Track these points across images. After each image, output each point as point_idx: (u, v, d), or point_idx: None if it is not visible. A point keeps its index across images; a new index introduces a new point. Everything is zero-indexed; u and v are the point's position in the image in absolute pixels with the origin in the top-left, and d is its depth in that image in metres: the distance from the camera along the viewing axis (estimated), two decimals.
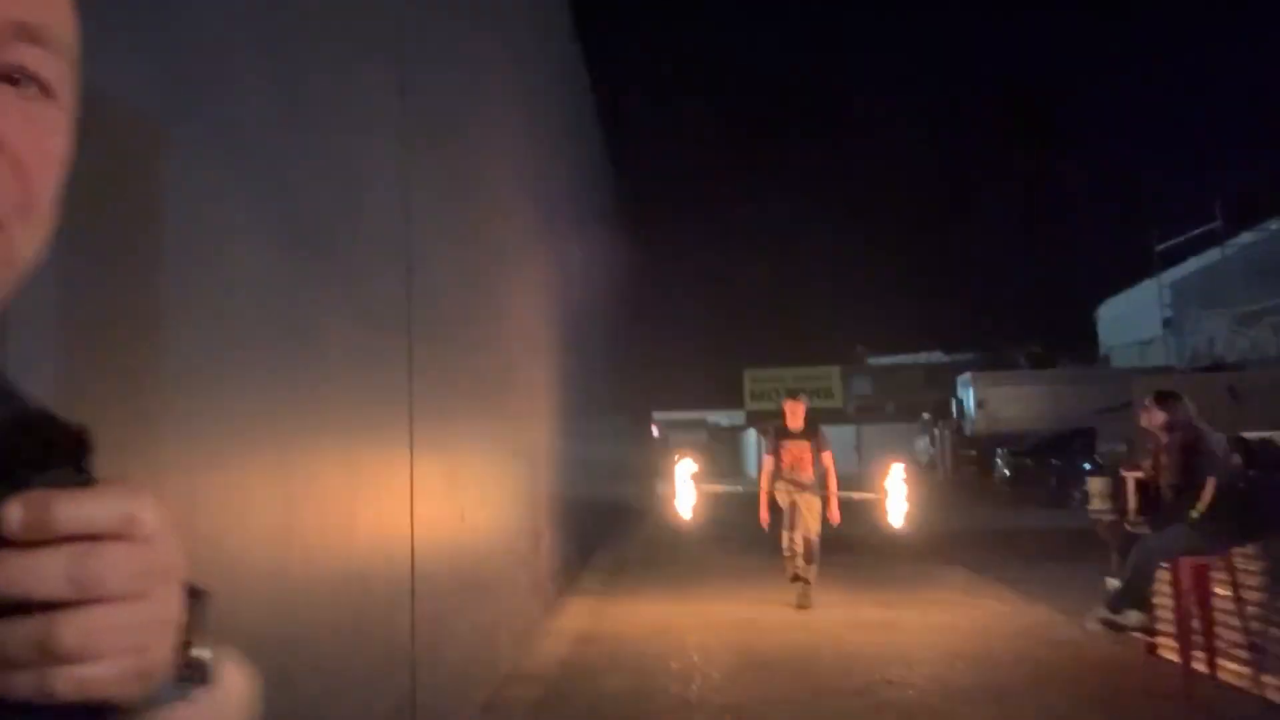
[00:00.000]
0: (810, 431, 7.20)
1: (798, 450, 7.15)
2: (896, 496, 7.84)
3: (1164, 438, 4.99)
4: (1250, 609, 4.77)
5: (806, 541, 7.03)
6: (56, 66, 0.49)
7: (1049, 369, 24.62)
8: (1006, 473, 19.85)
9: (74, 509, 0.40)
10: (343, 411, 2.76)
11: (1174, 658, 5.07)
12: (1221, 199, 21.15)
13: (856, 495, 8.10)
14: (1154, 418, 5.08)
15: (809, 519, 7.08)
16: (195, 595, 0.48)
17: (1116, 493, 11.17)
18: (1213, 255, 22.51)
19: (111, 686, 0.41)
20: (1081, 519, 12.20)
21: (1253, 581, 4.76)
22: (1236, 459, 4.88)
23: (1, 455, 0.41)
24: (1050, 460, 17.94)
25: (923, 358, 39.07)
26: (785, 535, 7.15)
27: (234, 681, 0.52)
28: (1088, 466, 14.49)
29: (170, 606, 0.44)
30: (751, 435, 34.24)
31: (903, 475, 7.97)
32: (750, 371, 40.31)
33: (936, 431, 28.03)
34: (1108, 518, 11.29)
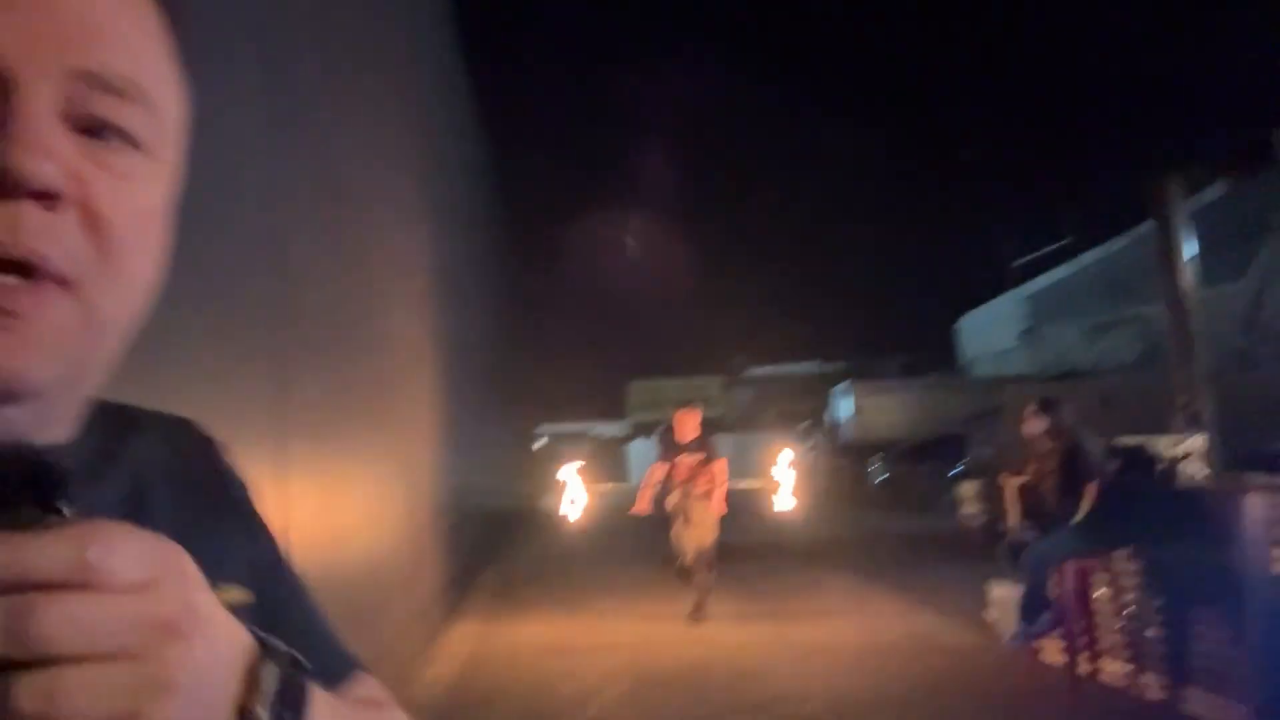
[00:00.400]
0: (703, 443, 7.06)
1: (690, 462, 6.99)
2: (785, 482, 7.90)
3: (1047, 444, 5.12)
4: (1128, 610, 4.94)
5: (699, 553, 6.91)
6: (144, 119, 0.48)
7: (920, 378, 25.62)
8: (881, 478, 20.48)
9: (10, 552, 0.36)
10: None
11: (1055, 657, 5.21)
12: (1073, 216, 22.55)
13: (745, 484, 8.10)
14: (1037, 425, 5.22)
15: (702, 531, 6.94)
16: (267, 656, 0.44)
17: (988, 496, 11.63)
18: (1065, 270, 23.95)
19: None
20: (952, 522, 12.72)
21: (1130, 583, 4.93)
22: (1114, 464, 5.05)
23: None
24: (921, 466, 18.59)
25: (800, 368, 40.09)
26: (674, 535, 7.08)
27: None
28: (956, 472, 15.04)
29: (172, 667, 0.38)
30: (637, 447, 34.30)
31: (790, 461, 8.02)
32: (635, 383, 40.47)
33: (814, 439, 28.76)
34: (978, 521, 11.75)
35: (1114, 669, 4.97)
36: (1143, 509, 4.85)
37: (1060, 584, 5.07)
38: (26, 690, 0.35)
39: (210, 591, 0.43)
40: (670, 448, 7.10)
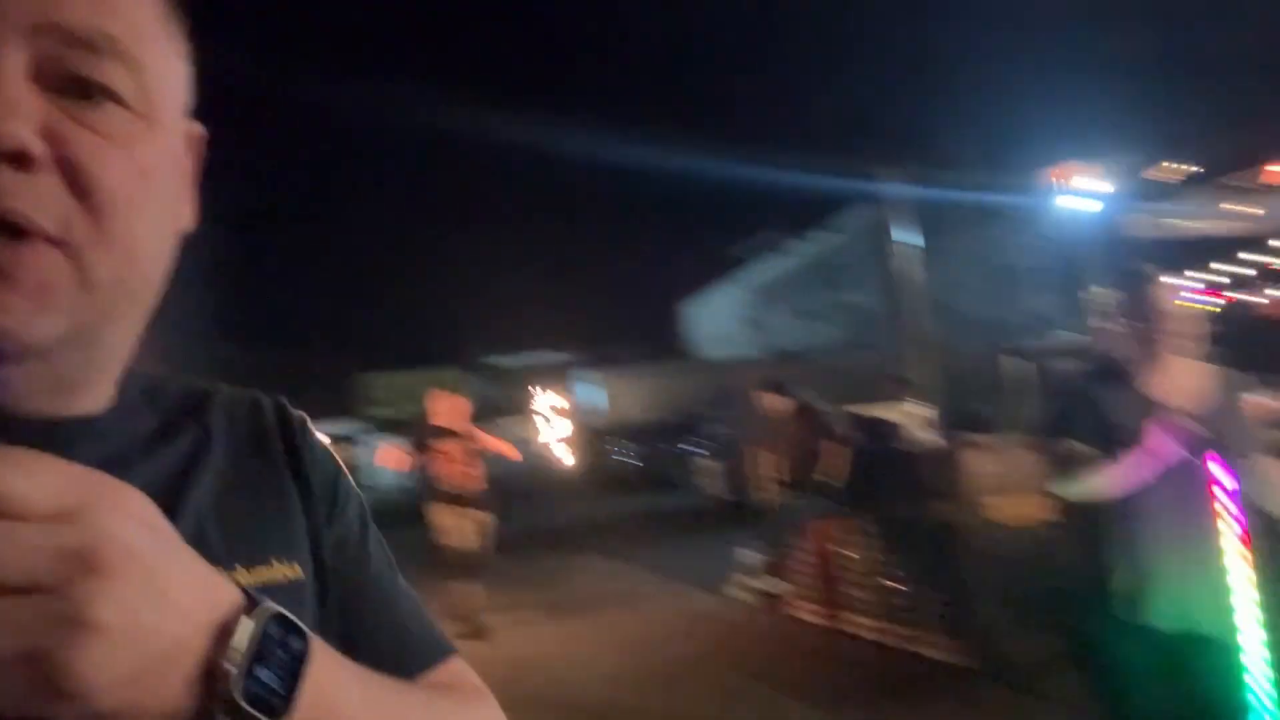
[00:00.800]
0: (468, 431, 6.34)
1: (454, 451, 6.16)
2: (554, 430, 7.66)
3: (789, 417, 5.44)
4: (869, 566, 5.37)
5: (466, 556, 6.19)
6: (127, 76, 0.48)
7: (659, 363, 26.69)
8: (625, 461, 21.06)
9: None
10: None
11: (808, 616, 5.56)
12: (789, 211, 24.48)
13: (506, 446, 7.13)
14: (777, 400, 5.52)
15: (467, 531, 6.17)
16: (250, 611, 0.42)
17: (729, 470, 12.30)
18: (782, 260, 26.01)
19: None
20: (695, 498, 13.32)
21: (869, 539, 5.37)
22: (853, 431, 5.46)
23: None
24: (665, 446, 19.33)
25: (538, 357, 40.36)
26: (439, 532, 6.25)
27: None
28: (698, 450, 15.77)
29: (91, 604, 0.35)
30: (369, 445, 32.75)
31: (554, 406, 7.81)
32: (366, 376, 38.61)
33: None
34: (722, 495, 12.37)
35: (859, 621, 5.39)
36: (880, 471, 5.29)
37: (808, 545, 5.41)
38: None
39: (170, 538, 0.41)
40: (426, 437, 6.37)
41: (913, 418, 5.68)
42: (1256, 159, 4.16)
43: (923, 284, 6.58)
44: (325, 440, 0.68)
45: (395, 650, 0.61)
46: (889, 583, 5.27)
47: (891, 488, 5.27)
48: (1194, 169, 3.83)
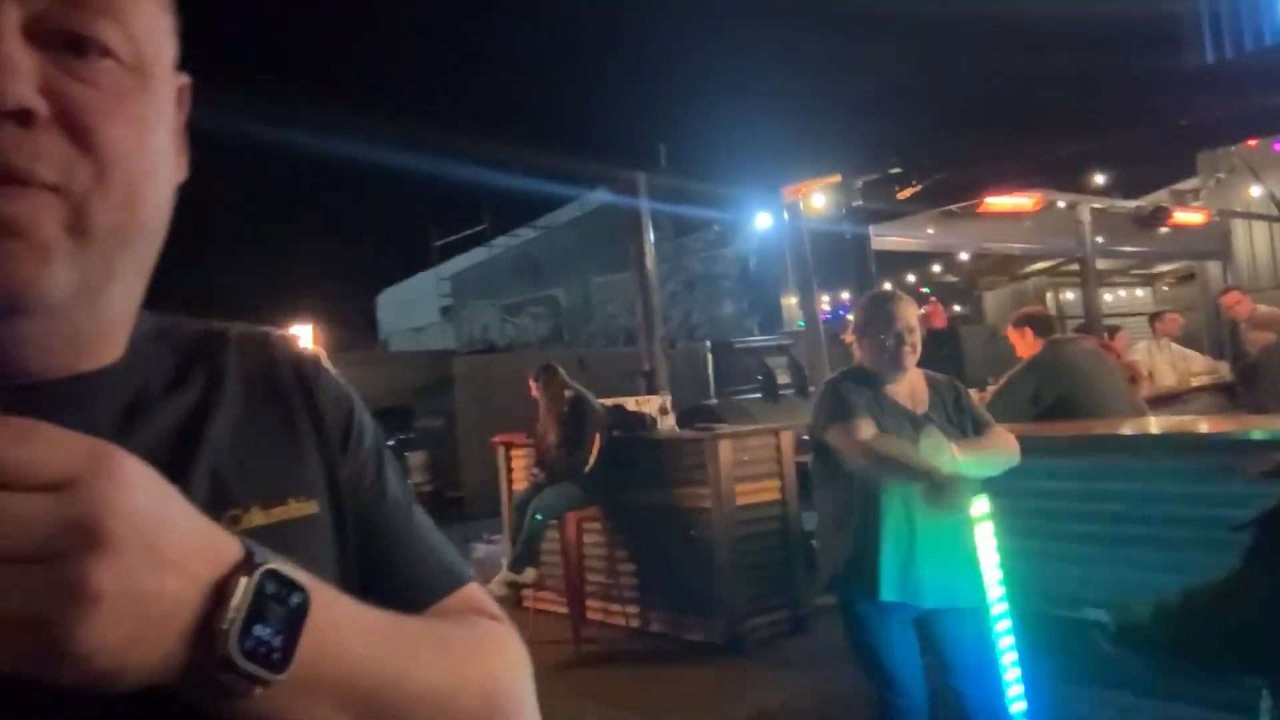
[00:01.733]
0: None
1: None
2: None
3: (556, 405, 5.45)
4: (619, 554, 5.53)
5: None
6: (119, 32, 0.49)
7: (347, 353, 25.34)
8: None
9: None
10: None
11: (556, 607, 5.60)
12: (488, 205, 24.37)
13: None
14: (543, 389, 5.51)
15: None
16: (250, 567, 0.43)
17: (434, 464, 12.02)
18: (482, 253, 25.83)
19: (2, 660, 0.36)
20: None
21: (620, 527, 5.53)
22: (606, 421, 5.57)
23: None
24: None
25: None
26: None
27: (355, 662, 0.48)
28: (403, 442, 15.23)
29: (91, 574, 0.37)
30: None
31: None
32: None
33: None
34: (426, 488, 12.06)
35: (608, 608, 5.53)
36: (629, 462, 5.46)
37: (562, 535, 5.45)
38: None
39: (169, 499, 0.42)
40: None
41: (654, 408, 5.92)
42: (979, 190, 4.89)
43: (656, 285, 6.91)
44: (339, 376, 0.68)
45: (411, 580, 0.63)
46: (637, 568, 5.47)
47: (640, 476, 5.46)
48: (918, 189, 4.41)
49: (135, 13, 0.50)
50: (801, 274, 6.19)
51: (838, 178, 4.88)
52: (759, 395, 7.48)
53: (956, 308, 10.55)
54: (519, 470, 6.10)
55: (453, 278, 27.96)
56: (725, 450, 5.03)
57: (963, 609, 2.76)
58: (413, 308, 30.53)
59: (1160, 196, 8.79)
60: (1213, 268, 9.71)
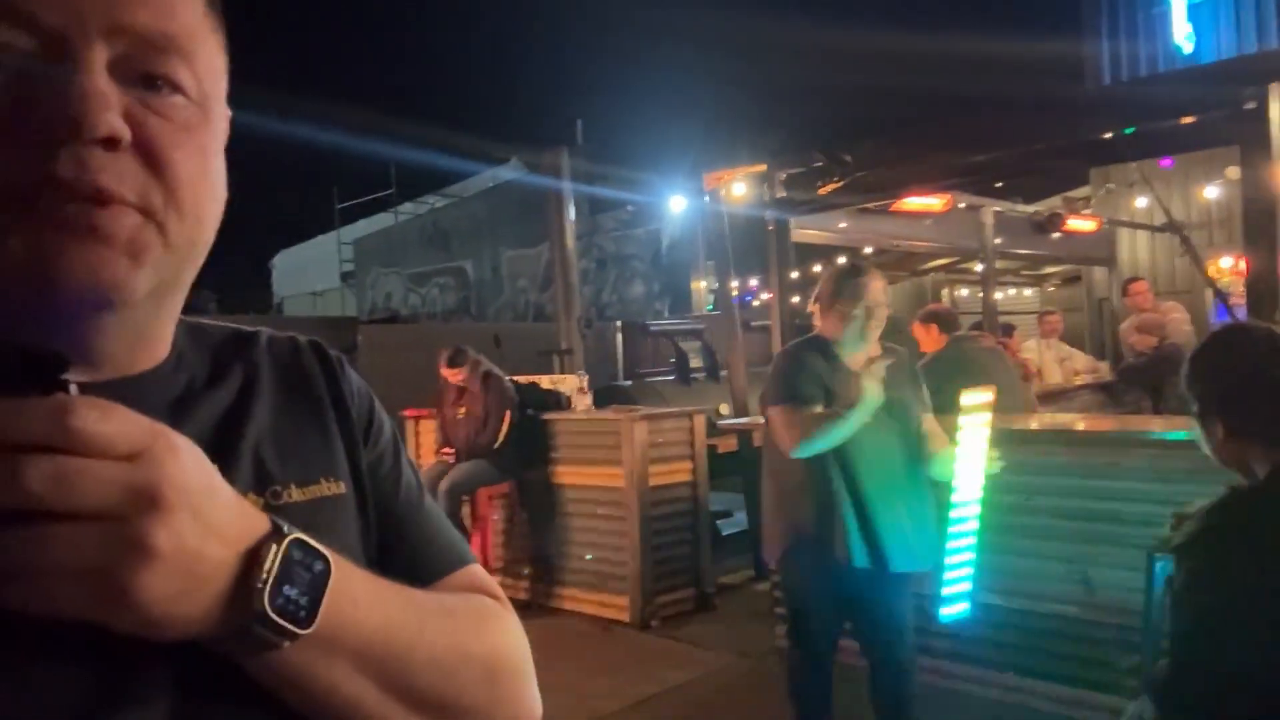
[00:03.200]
0: None
1: None
2: None
3: (472, 384, 5.40)
4: (529, 531, 5.55)
5: None
6: (185, 69, 0.55)
7: (241, 315, 24.41)
8: None
9: (3, 415, 0.41)
10: None
11: None
12: (396, 169, 23.74)
13: None
14: (455, 367, 5.45)
15: None
16: (278, 537, 0.49)
17: None
18: (387, 219, 25.16)
19: (70, 602, 0.42)
20: None
21: (532, 506, 5.54)
22: (517, 399, 5.56)
23: None
24: None
25: None
26: None
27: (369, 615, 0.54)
28: None
29: (150, 533, 0.43)
30: None
31: None
32: None
33: None
34: None
35: (519, 586, 5.54)
36: (538, 439, 5.47)
37: (474, 511, 5.44)
38: (9, 538, 0.41)
39: (213, 477, 0.49)
40: None
41: (569, 387, 5.94)
42: (897, 190, 5.07)
43: (575, 263, 6.90)
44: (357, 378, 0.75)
45: (421, 557, 0.70)
46: (548, 546, 5.49)
47: (554, 455, 5.48)
48: (840, 185, 4.55)
49: (200, 54, 0.57)
50: (720, 259, 6.28)
51: (763, 167, 4.97)
52: (672, 377, 7.58)
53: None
54: (428, 445, 6.03)
55: (355, 243, 27.14)
56: (641, 432, 5.10)
57: (899, 574, 2.79)
58: (311, 272, 29.51)
59: (1054, 203, 9.26)
60: (1098, 272, 10.30)
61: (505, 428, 5.30)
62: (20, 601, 0.42)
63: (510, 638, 0.68)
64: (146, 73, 0.54)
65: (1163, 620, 1.39)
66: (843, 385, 2.72)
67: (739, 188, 5.62)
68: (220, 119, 0.60)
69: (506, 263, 19.83)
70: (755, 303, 9.29)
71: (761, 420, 2.94)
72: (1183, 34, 5.39)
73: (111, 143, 0.51)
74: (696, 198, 6.75)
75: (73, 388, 0.45)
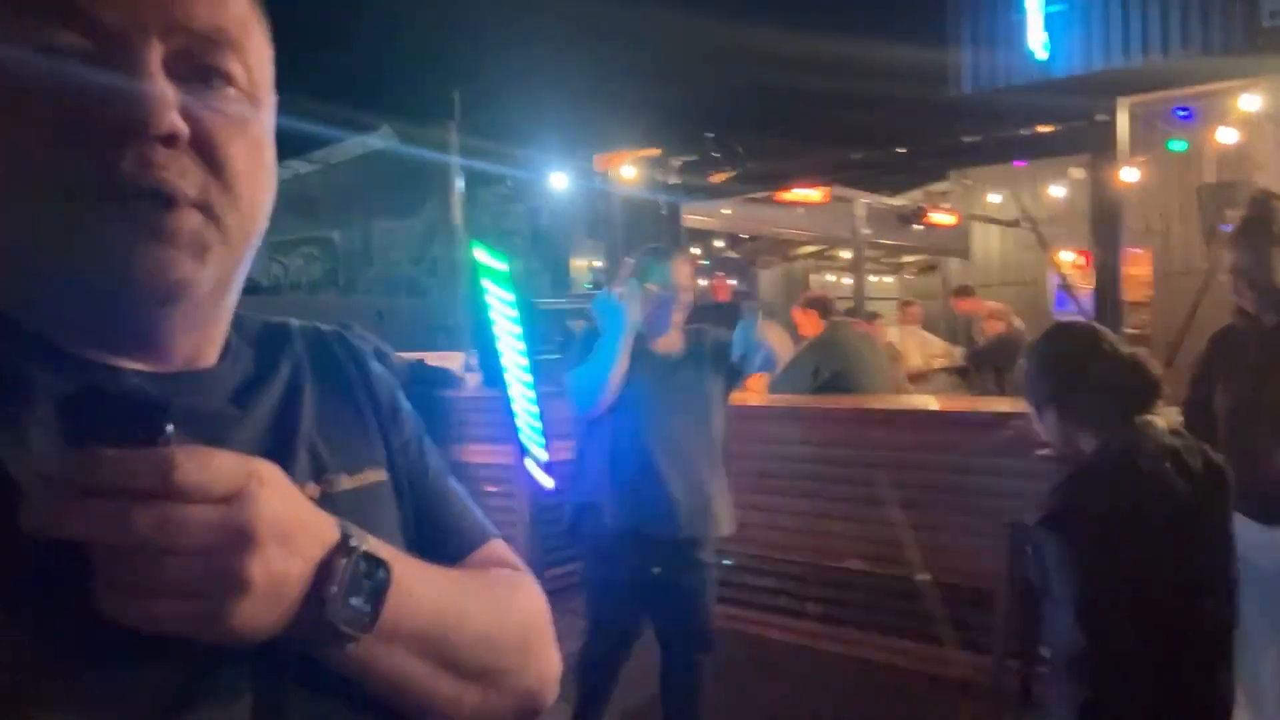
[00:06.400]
0: None
1: None
2: None
3: None
4: None
5: None
6: (238, 64, 0.56)
7: None
8: None
9: (114, 466, 0.45)
10: None
11: None
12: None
13: None
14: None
15: None
16: (347, 551, 0.53)
17: None
18: None
19: (174, 624, 0.47)
20: None
21: None
22: (405, 377, 5.51)
23: (80, 422, 0.46)
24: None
25: None
26: None
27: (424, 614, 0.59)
28: None
29: (245, 569, 0.48)
30: None
31: None
32: None
33: None
34: None
35: None
36: (431, 416, 5.45)
37: None
38: (127, 566, 0.45)
39: (295, 498, 0.53)
40: None
41: (456, 364, 5.93)
42: (783, 181, 5.29)
43: (460, 237, 6.84)
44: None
45: (450, 535, 0.75)
46: None
47: (441, 433, 5.48)
48: (731, 175, 4.73)
49: (250, 45, 0.58)
50: (610, 241, 6.39)
51: (658, 151, 5.10)
52: (557, 356, 7.59)
53: (734, 282, 11.24)
54: None
55: None
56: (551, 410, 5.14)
57: (685, 540, 2.80)
58: None
59: (917, 196, 9.83)
60: (953, 263, 11.01)
61: None
62: (126, 617, 0.46)
63: (536, 604, 0.74)
64: (200, 66, 0.55)
65: (1046, 589, 1.60)
66: (640, 359, 2.72)
67: (629, 170, 5.74)
68: (269, 107, 0.61)
69: (378, 234, 19.27)
70: None
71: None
72: (1038, 42, 5.84)
73: (171, 139, 0.52)
74: (580, 176, 6.81)
75: (169, 428, 0.47)
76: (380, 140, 18.64)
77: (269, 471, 0.50)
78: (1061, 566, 1.56)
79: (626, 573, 2.76)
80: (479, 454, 5.35)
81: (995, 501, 3.68)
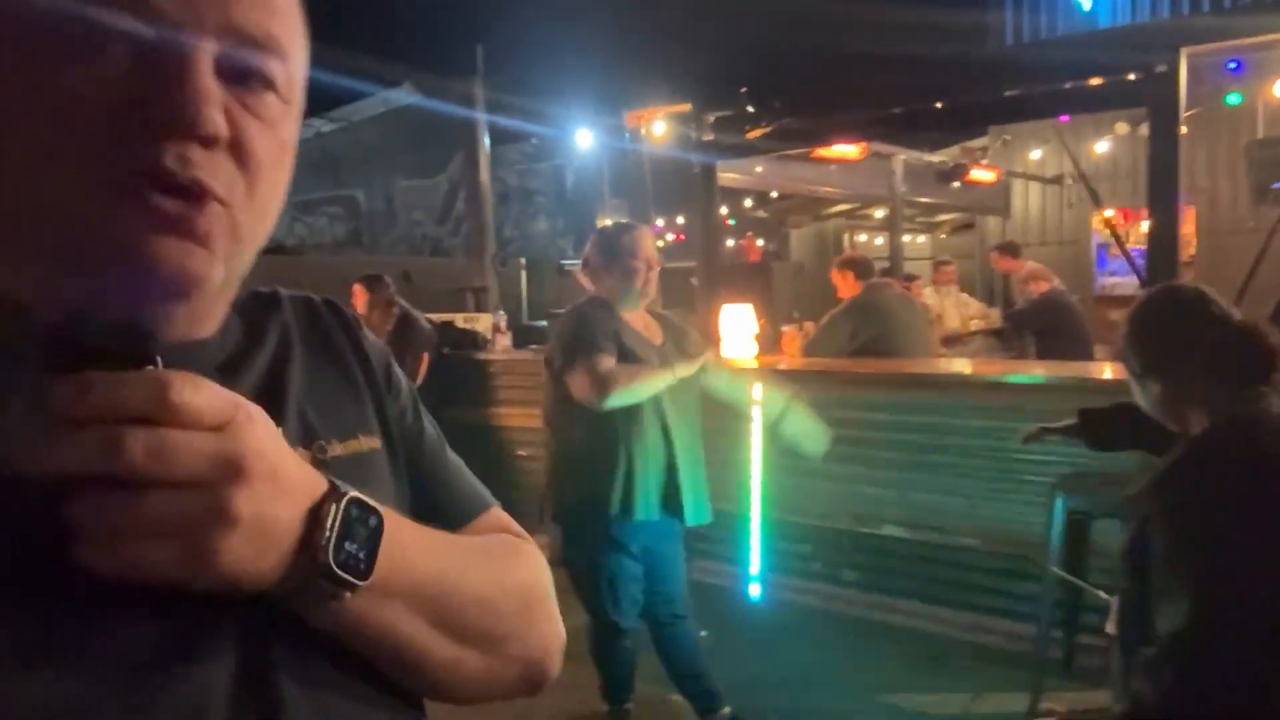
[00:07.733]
0: None
1: None
2: None
3: (381, 322, 5.27)
4: None
5: None
6: (280, 67, 0.57)
7: None
8: None
9: (108, 388, 0.43)
10: None
11: None
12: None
13: None
14: (368, 300, 5.30)
15: None
16: (337, 496, 0.52)
17: None
18: None
19: (158, 568, 0.45)
20: None
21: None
22: (436, 338, 5.47)
23: (65, 350, 0.44)
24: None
25: None
26: None
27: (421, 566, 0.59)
28: None
29: (233, 501, 0.46)
30: None
31: None
32: None
33: None
34: None
35: None
36: (461, 378, 5.42)
37: None
38: (110, 506, 0.44)
39: (282, 443, 0.52)
40: None
41: (484, 326, 5.88)
42: (820, 138, 5.14)
43: (487, 197, 6.73)
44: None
45: (449, 503, 0.74)
46: None
47: (470, 395, 5.44)
48: (767, 130, 4.58)
49: (295, 53, 0.59)
50: (639, 200, 6.27)
51: (688, 107, 4.96)
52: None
53: (761, 243, 11.08)
54: None
55: None
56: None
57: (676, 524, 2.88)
58: None
59: (954, 153, 9.59)
60: (992, 221, 10.77)
61: (424, 369, 5.21)
62: (109, 565, 0.44)
63: (537, 570, 0.73)
64: (246, 69, 0.55)
65: (1146, 569, 1.52)
66: (633, 342, 2.75)
67: (659, 127, 5.60)
68: (300, 111, 0.61)
69: (400, 193, 19.19)
70: (660, 244, 9.25)
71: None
72: None
73: (212, 140, 0.52)
74: (608, 133, 6.67)
75: (158, 359, 0.46)
76: (405, 96, 18.47)
77: (256, 410, 0.50)
78: (1172, 549, 1.46)
79: (631, 558, 2.84)
80: (510, 416, 5.31)
81: (1037, 467, 3.60)
